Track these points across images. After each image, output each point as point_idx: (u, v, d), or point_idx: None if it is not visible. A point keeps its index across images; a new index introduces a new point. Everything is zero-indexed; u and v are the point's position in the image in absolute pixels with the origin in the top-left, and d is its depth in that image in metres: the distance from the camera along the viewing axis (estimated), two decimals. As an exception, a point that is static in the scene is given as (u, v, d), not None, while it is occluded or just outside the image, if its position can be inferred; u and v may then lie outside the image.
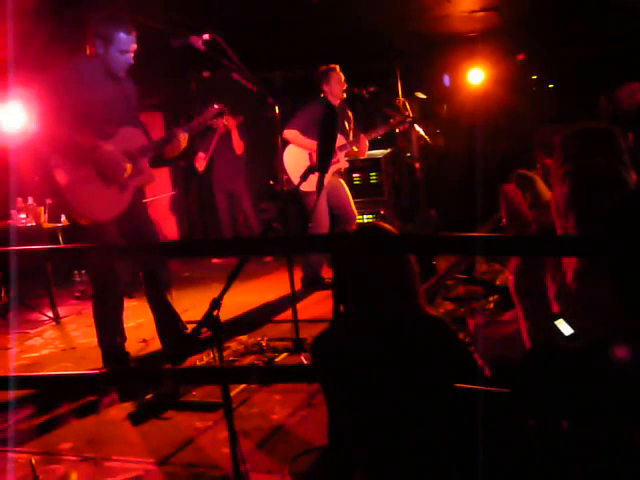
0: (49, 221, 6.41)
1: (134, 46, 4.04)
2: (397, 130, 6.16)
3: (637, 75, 5.45)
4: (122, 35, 3.98)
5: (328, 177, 5.93)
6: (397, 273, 2.02)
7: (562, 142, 2.49)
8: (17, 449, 3.35)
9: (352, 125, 6.22)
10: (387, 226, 2.13)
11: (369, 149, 6.52)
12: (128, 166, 4.05)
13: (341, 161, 6.08)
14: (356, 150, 6.11)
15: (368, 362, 1.83)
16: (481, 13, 7.36)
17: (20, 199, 6.34)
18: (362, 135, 6.06)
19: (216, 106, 4.35)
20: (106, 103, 4.02)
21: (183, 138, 4.23)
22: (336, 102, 5.93)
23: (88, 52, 4.07)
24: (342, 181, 6.22)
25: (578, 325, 1.95)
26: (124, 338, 4.32)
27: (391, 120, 6.12)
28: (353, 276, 2.00)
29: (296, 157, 5.87)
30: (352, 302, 1.92)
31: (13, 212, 6.30)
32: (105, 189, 4.03)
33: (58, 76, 3.94)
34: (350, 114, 6.20)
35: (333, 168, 6.00)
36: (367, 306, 1.98)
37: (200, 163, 7.98)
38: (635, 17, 7.56)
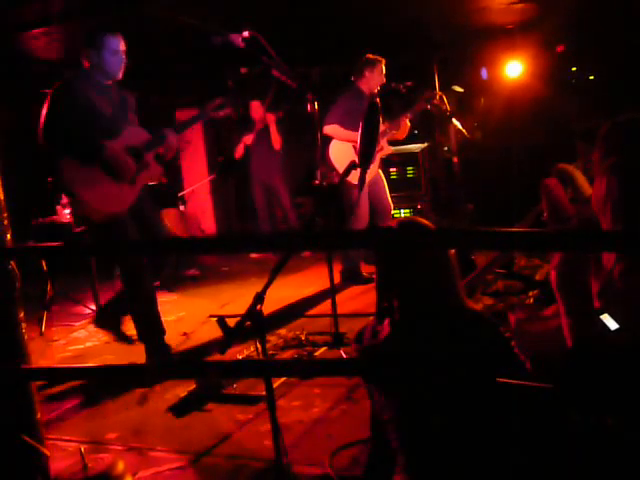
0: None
1: (123, 45, 4.24)
2: (429, 107, 6.08)
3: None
4: (109, 37, 4.19)
5: (374, 168, 5.95)
6: (436, 268, 2.03)
7: (605, 135, 2.46)
8: (67, 438, 3.46)
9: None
10: (425, 221, 2.14)
11: (407, 142, 6.49)
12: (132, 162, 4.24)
13: (385, 148, 6.09)
14: (397, 132, 6.10)
15: (413, 357, 1.85)
16: (519, 5, 7.26)
17: (64, 195, 6.47)
18: (402, 116, 6.04)
19: (217, 100, 4.50)
20: (105, 111, 4.21)
21: (171, 137, 4.45)
22: (368, 92, 5.94)
23: (86, 65, 4.22)
24: (381, 173, 6.23)
25: (623, 322, 1.93)
26: (163, 331, 4.42)
27: (424, 96, 6.07)
28: (394, 271, 2.02)
29: (341, 150, 5.90)
30: (395, 297, 1.94)
31: (58, 208, 6.45)
32: (116, 184, 4.19)
33: (53, 97, 4.08)
34: (378, 100, 6.19)
35: (379, 156, 6.01)
36: (409, 301, 2.00)
37: (238, 151, 8.07)
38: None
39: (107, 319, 4.91)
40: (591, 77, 9.09)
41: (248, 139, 8.07)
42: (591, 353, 1.76)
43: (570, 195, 3.27)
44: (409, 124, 6.12)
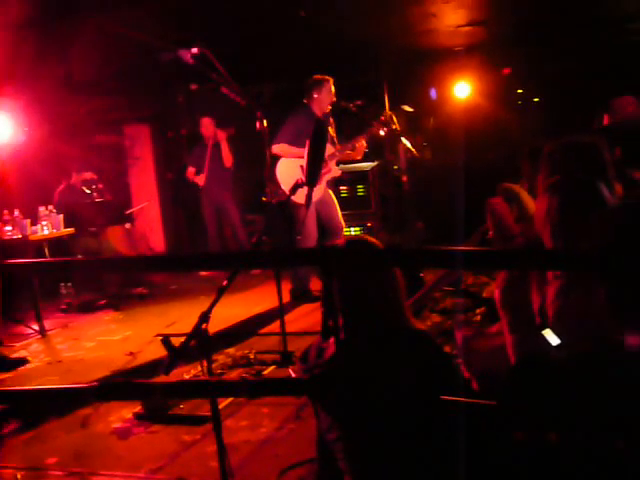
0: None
1: None
2: (383, 132, 6.17)
3: (621, 90, 5.53)
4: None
5: (321, 188, 5.97)
6: (383, 287, 2.03)
7: (548, 155, 2.52)
8: (3, 464, 3.33)
9: (334, 131, 6.26)
10: (373, 239, 2.15)
11: (357, 161, 6.55)
12: None
13: (333, 170, 6.12)
14: (353, 152, 6.15)
15: (358, 375, 1.84)
16: (467, 28, 7.43)
17: (6, 211, 6.31)
18: (357, 138, 6.09)
19: None
20: None
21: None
22: (319, 112, 5.97)
23: None
24: (331, 192, 6.25)
25: (562, 338, 1.97)
26: None
27: (380, 118, 6.14)
28: (341, 290, 2.02)
29: (288, 169, 5.89)
30: (340, 315, 1.93)
31: (-1, 225, 6.27)
32: None
33: None
34: (332, 121, 6.23)
35: (325, 178, 6.03)
36: (355, 320, 1.99)
37: (199, 178, 7.98)
38: (618, 32, 7.67)
39: None
40: (536, 99, 9.33)
41: (204, 161, 7.98)
42: (533, 370, 1.78)
43: (515, 214, 3.33)
44: (365, 145, 6.17)
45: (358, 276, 2.02)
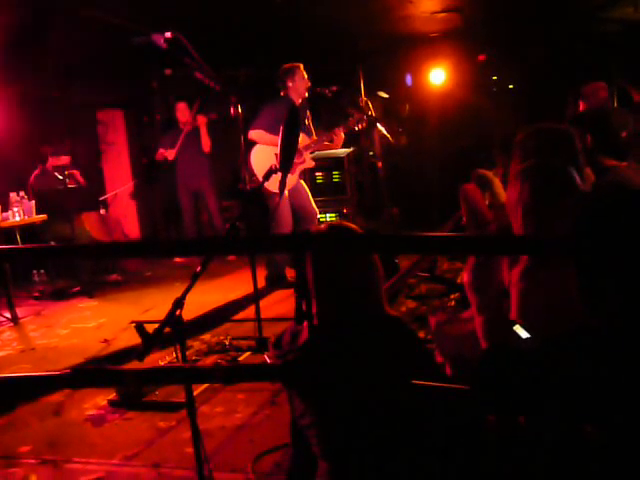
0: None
1: None
2: (356, 128, 6.17)
3: (596, 75, 5.59)
4: None
5: (294, 178, 5.96)
6: (360, 272, 2.04)
7: (520, 142, 2.54)
8: (-25, 453, 3.31)
9: (311, 124, 6.25)
10: (353, 225, 2.14)
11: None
12: None
13: (307, 161, 6.11)
14: (332, 142, 6.14)
15: (331, 361, 1.85)
16: (443, 14, 7.44)
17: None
18: (335, 129, 6.08)
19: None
20: None
21: None
22: (298, 100, 5.95)
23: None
24: (302, 181, 6.26)
25: (526, 320, 2.00)
26: None
27: (350, 118, 6.14)
28: (316, 275, 2.02)
29: (263, 156, 5.87)
30: (315, 301, 1.93)
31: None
32: None
33: None
34: (309, 113, 6.22)
35: (300, 168, 6.03)
36: (330, 305, 2.00)
37: (169, 152, 7.89)
38: (590, 20, 7.74)
39: None
40: (510, 86, 9.40)
41: (175, 145, 7.90)
42: (504, 354, 1.81)
43: (489, 200, 3.35)
44: (343, 136, 6.16)
45: (334, 261, 2.02)
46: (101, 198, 8.04)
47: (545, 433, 1.75)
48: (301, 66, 5.99)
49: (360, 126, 6.10)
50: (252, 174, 5.84)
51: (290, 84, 5.96)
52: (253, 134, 5.87)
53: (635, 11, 7.20)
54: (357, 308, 1.98)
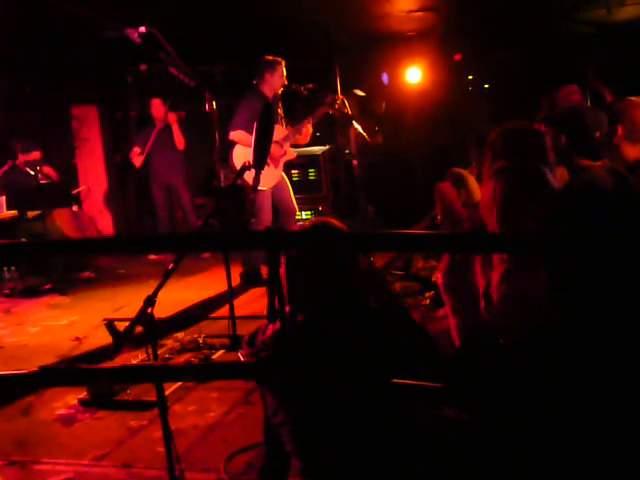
0: None
1: None
2: (331, 112, 6.14)
3: (570, 76, 5.64)
4: None
5: (278, 171, 5.94)
6: (335, 270, 2.02)
7: (493, 141, 2.55)
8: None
9: (283, 115, 6.23)
10: (335, 222, 2.11)
11: (309, 144, 6.53)
12: None
13: (289, 152, 6.09)
14: (299, 137, 6.12)
15: (302, 359, 1.84)
16: (419, 13, 7.45)
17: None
18: (304, 121, 6.06)
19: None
20: None
21: None
22: (270, 94, 5.91)
23: None
24: (285, 176, 6.22)
25: (506, 322, 2.01)
26: None
27: (326, 100, 6.11)
28: (292, 272, 2.00)
29: (245, 154, 5.82)
30: (287, 299, 1.92)
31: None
32: None
33: None
34: (280, 104, 6.18)
35: (282, 160, 6.00)
36: (305, 303, 1.98)
37: (137, 159, 7.83)
38: (566, 20, 7.82)
39: None
40: (486, 86, 9.45)
41: (147, 143, 7.83)
42: (477, 352, 1.81)
43: (463, 198, 3.37)
44: (311, 129, 6.14)
45: (311, 259, 2.00)
46: (74, 191, 7.94)
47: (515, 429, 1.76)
48: (283, 63, 5.96)
49: (336, 106, 6.05)
50: (234, 171, 5.80)
51: (268, 77, 5.91)
52: (234, 135, 5.83)
53: (608, 13, 7.27)
54: (332, 305, 1.97)
